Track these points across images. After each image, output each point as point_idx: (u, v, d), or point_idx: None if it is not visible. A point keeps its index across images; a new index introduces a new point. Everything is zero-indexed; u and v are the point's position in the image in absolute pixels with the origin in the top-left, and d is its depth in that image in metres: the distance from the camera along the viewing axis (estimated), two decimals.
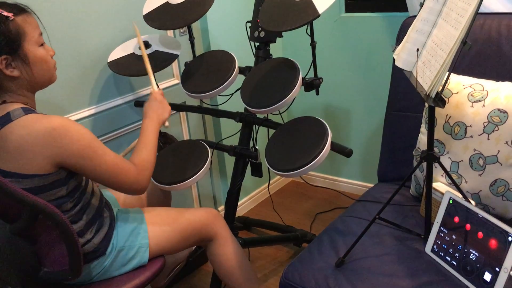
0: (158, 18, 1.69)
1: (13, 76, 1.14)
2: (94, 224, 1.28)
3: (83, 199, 1.25)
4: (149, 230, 1.36)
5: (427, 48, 1.19)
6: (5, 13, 1.11)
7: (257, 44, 1.74)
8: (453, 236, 1.20)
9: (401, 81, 1.70)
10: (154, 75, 1.78)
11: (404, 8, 2.01)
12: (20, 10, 1.15)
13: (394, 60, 1.38)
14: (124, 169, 1.23)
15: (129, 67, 1.69)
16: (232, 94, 1.80)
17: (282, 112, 1.68)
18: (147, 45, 1.75)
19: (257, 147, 1.71)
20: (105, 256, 1.28)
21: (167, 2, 1.72)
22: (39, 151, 1.10)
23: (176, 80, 2.09)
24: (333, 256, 1.31)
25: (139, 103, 1.87)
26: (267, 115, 1.65)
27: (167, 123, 1.46)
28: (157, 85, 1.59)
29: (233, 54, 1.71)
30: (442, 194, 1.33)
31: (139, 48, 1.74)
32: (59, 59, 1.61)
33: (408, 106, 1.68)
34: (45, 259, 1.22)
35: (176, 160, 1.62)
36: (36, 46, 1.17)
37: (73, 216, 1.22)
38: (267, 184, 2.53)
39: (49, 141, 1.10)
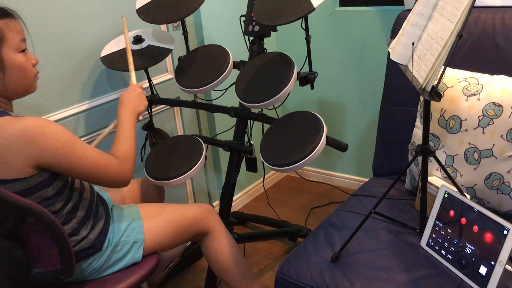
0: (151, 12, 1.67)
1: None
2: (89, 219, 1.27)
3: (73, 196, 1.23)
4: (144, 225, 1.36)
5: (423, 41, 1.19)
6: None
7: (251, 38, 1.73)
8: (449, 230, 1.20)
9: (396, 75, 1.70)
10: (148, 70, 1.77)
11: (399, 2, 2.00)
12: (4, 13, 1.12)
13: (389, 54, 1.38)
14: (106, 163, 1.21)
15: (122, 62, 1.67)
16: (227, 88, 1.79)
17: (277, 107, 1.67)
18: (140, 39, 1.74)
19: (251, 142, 1.71)
20: (102, 252, 1.27)
21: None
22: (16, 154, 1.07)
23: (170, 75, 2.07)
24: (329, 250, 1.31)
25: None
26: (262, 109, 1.64)
27: (140, 117, 1.45)
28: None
29: (227, 49, 1.69)
30: (437, 188, 1.33)
31: (133, 42, 1.73)
32: (51, 55, 1.60)
33: (403, 100, 1.68)
34: (36, 259, 1.21)
35: (170, 156, 1.61)
36: (15, 52, 1.13)
37: (64, 216, 1.20)
38: (262, 179, 2.53)
39: (25, 143, 1.07)
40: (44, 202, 1.15)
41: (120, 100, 1.42)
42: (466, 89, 1.38)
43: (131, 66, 1.57)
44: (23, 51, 1.16)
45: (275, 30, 1.72)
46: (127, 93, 1.44)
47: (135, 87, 1.47)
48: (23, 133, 1.07)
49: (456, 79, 1.42)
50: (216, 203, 2.40)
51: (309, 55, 1.55)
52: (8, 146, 1.06)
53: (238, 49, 1.91)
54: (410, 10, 1.34)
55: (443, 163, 1.41)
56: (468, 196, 1.33)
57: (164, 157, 1.62)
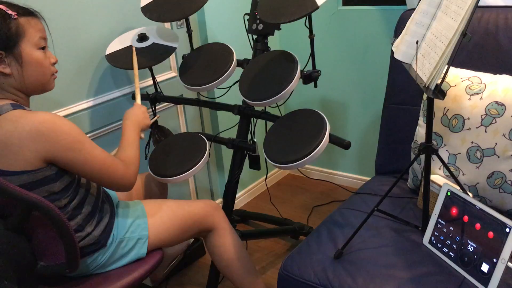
0: (156, 10, 1.68)
1: (4, 73, 1.14)
2: (94, 216, 1.28)
3: (79, 192, 1.25)
4: (149, 222, 1.37)
5: (427, 40, 1.19)
6: (10, 12, 1.12)
7: (255, 36, 1.74)
8: (451, 228, 1.21)
9: (398, 74, 1.70)
10: (152, 68, 1.78)
11: (402, 1, 2.01)
12: (27, 12, 1.16)
13: (392, 53, 1.38)
14: (113, 164, 1.24)
15: (127, 60, 1.68)
16: (230, 86, 1.80)
17: (280, 105, 1.67)
18: (144, 37, 1.74)
19: (255, 139, 1.71)
20: (106, 248, 1.28)
21: None
22: (27, 146, 1.09)
23: (174, 73, 2.08)
24: (332, 248, 1.32)
25: None
26: (265, 107, 1.65)
27: (142, 135, 1.48)
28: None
29: (231, 47, 1.70)
30: (440, 186, 1.33)
31: (137, 40, 1.73)
32: (58, 52, 1.60)
33: (406, 99, 1.68)
34: (41, 253, 1.22)
35: (174, 153, 1.62)
36: (34, 48, 1.16)
37: (69, 212, 1.22)
38: (265, 177, 2.54)
39: (36, 136, 1.09)
40: (50, 197, 1.16)
41: (125, 115, 1.46)
42: (469, 88, 1.39)
43: (138, 90, 1.61)
44: (43, 48, 1.19)
45: (279, 29, 1.72)
46: (132, 109, 1.49)
47: (140, 105, 1.52)
48: (35, 126, 1.09)
49: (459, 78, 1.43)
50: (219, 200, 2.40)
51: (312, 54, 1.56)
52: (19, 137, 1.09)
53: (241, 47, 1.91)
54: (413, 9, 1.34)
55: (446, 162, 1.42)
56: (470, 194, 1.34)
57: (167, 154, 1.63)
